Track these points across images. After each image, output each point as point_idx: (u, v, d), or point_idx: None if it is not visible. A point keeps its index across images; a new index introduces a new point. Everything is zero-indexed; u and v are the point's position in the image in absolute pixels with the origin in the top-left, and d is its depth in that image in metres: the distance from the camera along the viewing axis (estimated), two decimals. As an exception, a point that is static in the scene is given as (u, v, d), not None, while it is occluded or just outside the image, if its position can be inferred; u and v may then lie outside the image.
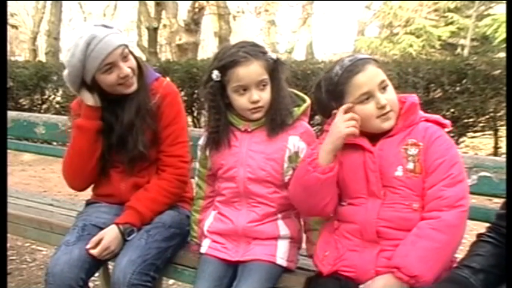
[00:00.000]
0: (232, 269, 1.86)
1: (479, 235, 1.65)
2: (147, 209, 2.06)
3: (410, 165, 1.64)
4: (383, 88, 1.65)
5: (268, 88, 1.85)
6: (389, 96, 1.66)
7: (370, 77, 1.64)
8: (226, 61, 1.82)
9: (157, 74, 2.22)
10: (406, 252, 1.57)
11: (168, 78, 6.99)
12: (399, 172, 1.64)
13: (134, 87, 2.06)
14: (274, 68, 1.85)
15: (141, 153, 2.07)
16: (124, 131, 2.07)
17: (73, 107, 2.22)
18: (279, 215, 1.89)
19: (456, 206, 1.58)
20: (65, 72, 2.06)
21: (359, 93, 1.63)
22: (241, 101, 1.84)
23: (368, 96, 1.63)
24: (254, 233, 1.87)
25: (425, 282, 1.54)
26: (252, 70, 1.80)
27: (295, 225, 1.92)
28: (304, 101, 1.93)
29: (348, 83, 1.64)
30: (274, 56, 1.85)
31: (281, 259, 1.85)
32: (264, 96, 1.83)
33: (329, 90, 1.70)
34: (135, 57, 2.09)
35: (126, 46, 2.04)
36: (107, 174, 2.18)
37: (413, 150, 1.64)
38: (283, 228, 1.89)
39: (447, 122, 1.72)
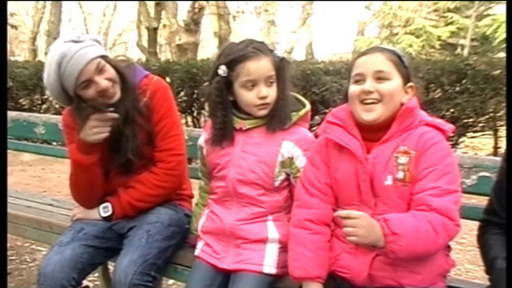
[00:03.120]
0: (222, 276, 1.86)
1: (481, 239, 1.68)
2: (127, 195, 2.08)
3: (400, 175, 1.59)
4: (379, 78, 1.62)
5: (274, 86, 1.84)
6: (383, 88, 1.61)
7: (368, 62, 1.65)
8: (236, 56, 1.81)
9: (146, 72, 2.18)
10: (401, 216, 1.54)
11: (168, 78, 7.04)
12: (389, 181, 1.60)
13: (117, 96, 2.03)
14: (280, 66, 1.84)
15: (129, 160, 2.06)
16: (115, 139, 2.04)
17: (65, 119, 2.20)
18: (270, 217, 1.88)
19: (446, 217, 1.52)
20: (48, 91, 2.04)
21: (356, 72, 1.65)
22: (248, 97, 1.82)
23: (361, 78, 1.64)
24: (241, 232, 1.86)
25: (399, 248, 1.49)
26: (262, 65, 1.79)
27: (286, 229, 1.85)
28: (304, 105, 1.92)
29: (355, 63, 1.68)
30: (280, 55, 1.84)
31: (269, 267, 1.83)
32: (271, 93, 1.83)
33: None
34: (114, 66, 2.03)
35: (102, 57, 1.98)
36: (105, 176, 2.16)
37: (403, 159, 1.59)
38: (272, 231, 1.87)
39: (449, 128, 1.65)
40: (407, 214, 1.55)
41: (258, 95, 1.81)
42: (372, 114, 1.62)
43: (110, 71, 2.00)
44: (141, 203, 2.09)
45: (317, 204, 1.74)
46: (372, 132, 1.65)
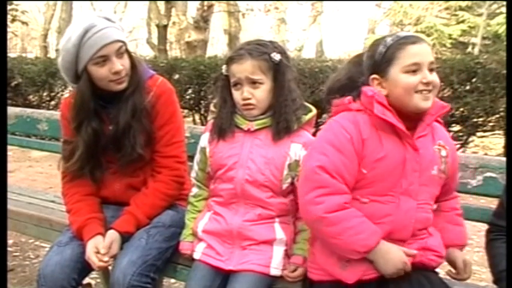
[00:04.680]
0: (222, 277, 1.83)
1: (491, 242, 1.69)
2: (144, 216, 2.02)
3: (443, 167, 1.67)
4: (431, 69, 1.61)
5: (263, 87, 1.83)
6: (435, 79, 1.61)
7: (424, 51, 1.61)
8: (228, 57, 1.90)
9: (152, 72, 2.15)
10: (461, 230, 1.80)
11: (175, 76, 7.03)
12: (435, 171, 1.66)
13: (124, 85, 2.00)
14: (276, 69, 1.84)
15: (139, 155, 2.02)
16: (120, 134, 2.01)
17: (63, 109, 2.16)
18: (277, 219, 1.87)
19: None
20: (59, 58, 2.00)
21: (410, 61, 1.59)
22: (235, 96, 1.87)
23: (416, 68, 1.59)
24: (249, 233, 1.84)
25: None
26: (243, 68, 1.82)
27: (291, 231, 1.88)
28: (310, 110, 1.92)
29: (402, 49, 1.60)
30: (277, 57, 1.82)
31: (275, 269, 1.82)
32: (257, 94, 1.83)
33: (374, 57, 1.65)
34: (131, 57, 2.03)
35: (124, 44, 1.98)
36: (101, 178, 2.11)
37: (444, 152, 1.68)
38: (279, 232, 1.85)
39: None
40: (459, 226, 1.80)
41: (240, 96, 1.84)
42: (429, 102, 1.61)
43: (127, 60, 2.00)
44: (154, 214, 2.05)
45: (348, 190, 1.61)
46: (407, 121, 1.62)
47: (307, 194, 1.61)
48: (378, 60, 1.63)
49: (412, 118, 1.63)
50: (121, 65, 1.95)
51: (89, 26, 1.91)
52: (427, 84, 1.58)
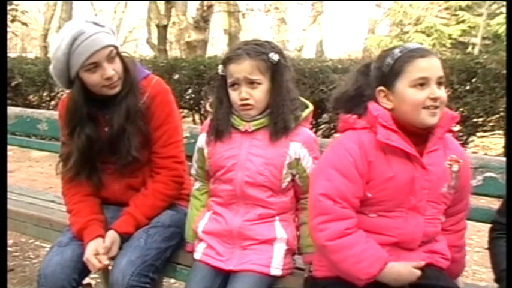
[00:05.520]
0: (222, 277, 1.84)
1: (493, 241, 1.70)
2: (144, 216, 2.03)
3: (453, 182, 1.64)
4: (439, 83, 1.58)
5: (261, 88, 1.83)
6: (442, 94, 1.58)
7: (433, 65, 1.57)
8: (225, 57, 1.88)
9: (147, 72, 2.14)
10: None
11: (175, 76, 7.02)
12: (445, 189, 1.64)
13: (117, 89, 1.99)
14: (274, 69, 1.83)
15: (134, 158, 2.01)
16: (114, 137, 2.00)
17: (60, 110, 2.15)
18: (277, 218, 1.88)
19: None
20: (51, 66, 1.99)
21: (418, 75, 1.56)
22: (233, 96, 1.85)
23: (424, 82, 1.56)
24: (250, 232, 1.84)
25: None
26: (241, 68, 1.81)
27: (292, 229, 1.89)
28: (306, 106, 1.91)
29: (410, 62, 1.57)
30: (276, 57, 1.82)
31: (276, 269, 1.82)
32: (255, 94, 1.82)
33: (381, 69, 1.62)
34: (123, 60, 2.01)
35: (115, 47, 1.96)
36: (99, 180, 2.11)
37: (456, 167, 1.64)
38: (280, 231, 1.86)
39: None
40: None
41: (238, 96, 1.83)
42: (436, 118, 1.58)
43: (118, 64, 1.98)
44: (154, 215, 2.06)
45: (351, 214, 1.62)
46: (415, 137, 1.61)
47: (311, 220, 1.63)
48: (386, 72, 1.61)
49: (421, 132, 1.62)
50: (112, 69, 1.94)
51: (77, 33, 1.88)
52: (434, 99, 1.56)
